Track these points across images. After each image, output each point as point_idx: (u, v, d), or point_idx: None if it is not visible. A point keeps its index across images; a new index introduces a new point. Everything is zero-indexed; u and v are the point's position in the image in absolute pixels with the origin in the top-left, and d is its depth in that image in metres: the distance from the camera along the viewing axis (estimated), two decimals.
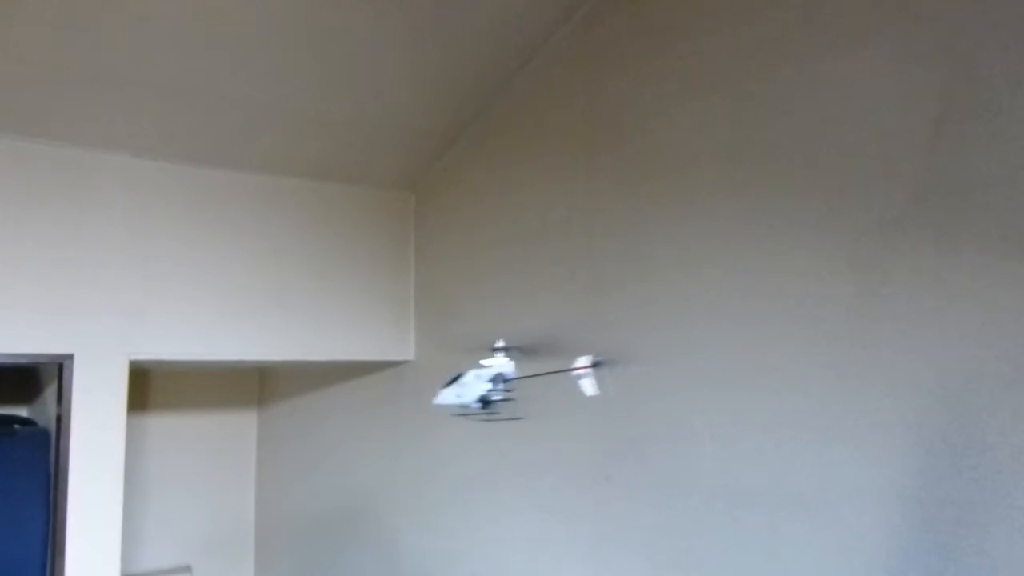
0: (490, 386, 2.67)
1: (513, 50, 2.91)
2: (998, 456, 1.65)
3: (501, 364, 2.73)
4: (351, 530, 3.95)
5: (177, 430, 4.66)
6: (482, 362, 2.76)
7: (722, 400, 2.22)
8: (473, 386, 2.69)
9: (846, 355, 1.93)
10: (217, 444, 4.81)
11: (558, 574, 2.74)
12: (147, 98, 2.76)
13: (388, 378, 3.72)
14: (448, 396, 2.73)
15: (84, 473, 2.80)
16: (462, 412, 2.73)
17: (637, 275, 2.52)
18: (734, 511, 2.17)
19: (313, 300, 3.36)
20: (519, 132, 3.05)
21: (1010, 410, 1.64)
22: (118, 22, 2.42)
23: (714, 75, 2.31)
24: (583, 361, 2.47)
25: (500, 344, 2.79)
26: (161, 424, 4.60)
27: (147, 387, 4.55)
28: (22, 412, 3.97)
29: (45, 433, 3.25)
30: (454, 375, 2.77)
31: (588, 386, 2.46)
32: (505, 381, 2.69)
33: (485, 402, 2.67)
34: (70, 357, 2.81)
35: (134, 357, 2.93)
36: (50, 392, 3.27)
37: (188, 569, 4.58)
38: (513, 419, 2.67)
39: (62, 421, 2.84)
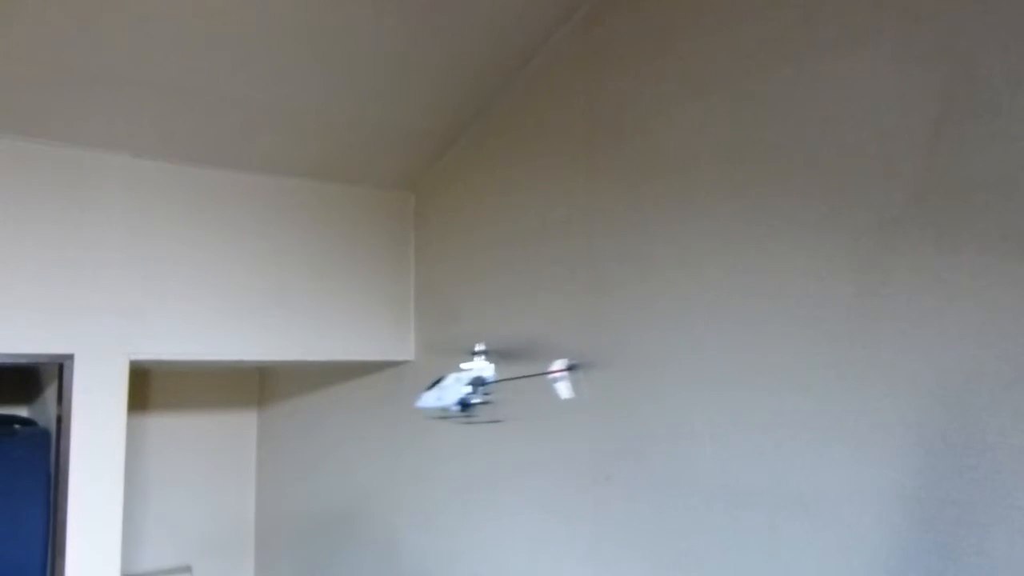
0: (469, 389, 2.68)
1: (513, 50, 2.91)
2: (998, 456, 1.65)
3: (480, 367, 2.74)
4: (351, 530, 3.95)
5: (177, 430, 4.66)
6: (462, 365, 2.77)
7: (722, 400, 2.22)
8: (452, 389, 2.70)
9: (846, 355, 1.93)
10: (217, 444, 4.81)
11: (558, 574, 2.74)
12: (147, 98, 2.76)
13: (388, 378, 3.72)
14: (429, 399, 2.75)
15: (84, 473, 2.80)
16: (442, 415, 2.74)
17: (637, 275, 2.52)
18: (734, 511, 2.17)
19: (313, 300, 3.36)
20: (519, 132, 3.05)
21: (1010, 410, 1.64)
22: (118, 22, 2.42)
23: (714, 75, 2.31)
24: (559, 364, 2.48)
25: (480, 348, 2.80)
26: (161, 424, 4.60)
27: (147, 387, 4.55)
28: (22, 412, 3.97)
29: (45, 433, 3.25)
30: (436, 378, 2.78)
31: (563, 389, 2.48)
32: (484, 384, 2.70)
33: (464, 405, 2.68)
34: (70, 357, 2.82)
35: (134, 357, 2.93)
36: (50, 392, 3.27)
37: (188, 569, 4.58)
38: (493, 422, 2.68)
39: (62, 421, 2.84)
